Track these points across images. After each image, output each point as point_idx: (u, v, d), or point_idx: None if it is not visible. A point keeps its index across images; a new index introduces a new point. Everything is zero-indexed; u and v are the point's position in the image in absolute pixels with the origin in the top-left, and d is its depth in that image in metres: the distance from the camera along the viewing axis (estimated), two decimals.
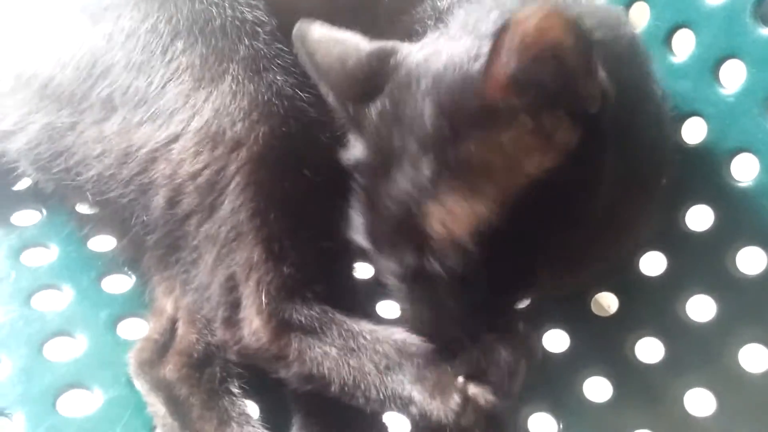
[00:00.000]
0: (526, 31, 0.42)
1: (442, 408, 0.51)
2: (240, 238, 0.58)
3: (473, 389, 0.51)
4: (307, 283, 0.58)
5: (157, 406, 0.61)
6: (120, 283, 0.71)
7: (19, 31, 0.65)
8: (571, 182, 0.47)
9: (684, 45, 0.65)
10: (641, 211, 0.58)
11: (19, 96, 0.63)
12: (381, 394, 0.54)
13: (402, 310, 0.56)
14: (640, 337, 0.66)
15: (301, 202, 0.59)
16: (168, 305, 0.66)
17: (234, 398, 0.61)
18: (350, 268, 0.59)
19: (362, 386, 0.55)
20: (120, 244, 0.70)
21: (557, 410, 0.66)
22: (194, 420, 0.60)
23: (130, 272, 0.71)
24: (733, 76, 0.61)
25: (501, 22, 0.44)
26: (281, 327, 0.57)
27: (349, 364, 0.55)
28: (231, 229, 0.58)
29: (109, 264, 0.71)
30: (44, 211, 0.74)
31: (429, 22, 0.63)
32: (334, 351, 0.56)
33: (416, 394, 0.53)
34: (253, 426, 0.60)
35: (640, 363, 0.66)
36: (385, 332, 0.56)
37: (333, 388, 0.55)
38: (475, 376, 0.52)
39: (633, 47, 0.58)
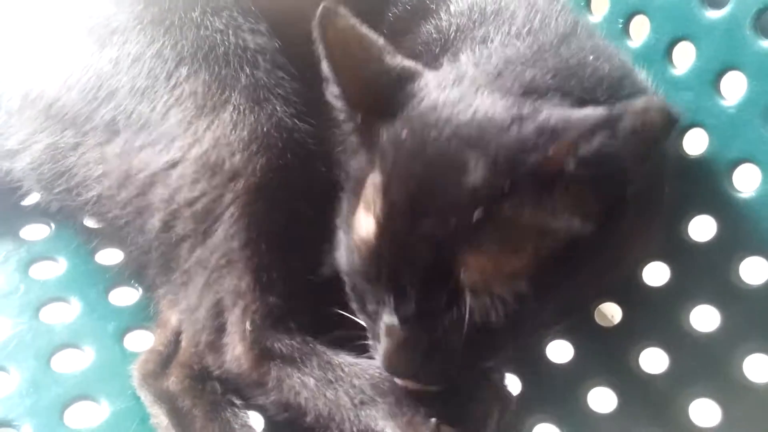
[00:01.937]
0: (638, 122, 0.42)
1: None
2: (230, 265, 0.59)
3: (445, 430, 0.51)
4: (291, 313, 0.59)
5: (160, 418, 0.61)
6: (127, 296, 0.72)
7: (28, 52, 0.66)
8: (596, 237, 0.47)
9: (684, 57, 0.65)
10: (646, 230, 0.58)
11: (25, 115, 0.64)
12: (354, 428, 0.54)
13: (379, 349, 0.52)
14: (644, 348, 0.66)
15: (293, 234, 0.60)
16: (172, 317, 0.66)
17: (237, 410, 0.61)
18: (338, 299, 0.58)
19: (336, 419, 0.55)
20: (124, 258, 0.71)
21: (561, 421, 0.65)
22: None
23: (136, 285, 0.72)
24: (734, 88, 0.61)
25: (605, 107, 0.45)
26: (262, 355, 0.58)
27: (325, 396, 0.56)
28: (222, 256, 0.59)
29: (117, 277, 0.72)
30: (53, 226, 0.75)
31: (434, 48, 0.62)
32: (312, 381, 0.56)
33: (389, 430, 0.53)
34: None
35: (645, 373, 0.66)
36: (365, 365, 0.57)
37: (308, 419, 0.56)
38: (447, 418, 0.52)
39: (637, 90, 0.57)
